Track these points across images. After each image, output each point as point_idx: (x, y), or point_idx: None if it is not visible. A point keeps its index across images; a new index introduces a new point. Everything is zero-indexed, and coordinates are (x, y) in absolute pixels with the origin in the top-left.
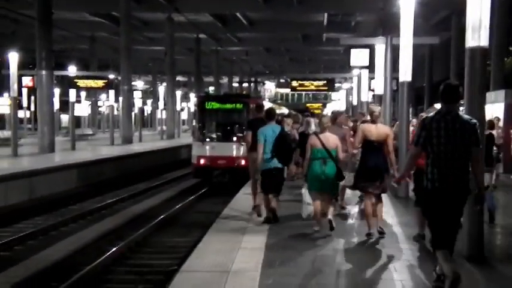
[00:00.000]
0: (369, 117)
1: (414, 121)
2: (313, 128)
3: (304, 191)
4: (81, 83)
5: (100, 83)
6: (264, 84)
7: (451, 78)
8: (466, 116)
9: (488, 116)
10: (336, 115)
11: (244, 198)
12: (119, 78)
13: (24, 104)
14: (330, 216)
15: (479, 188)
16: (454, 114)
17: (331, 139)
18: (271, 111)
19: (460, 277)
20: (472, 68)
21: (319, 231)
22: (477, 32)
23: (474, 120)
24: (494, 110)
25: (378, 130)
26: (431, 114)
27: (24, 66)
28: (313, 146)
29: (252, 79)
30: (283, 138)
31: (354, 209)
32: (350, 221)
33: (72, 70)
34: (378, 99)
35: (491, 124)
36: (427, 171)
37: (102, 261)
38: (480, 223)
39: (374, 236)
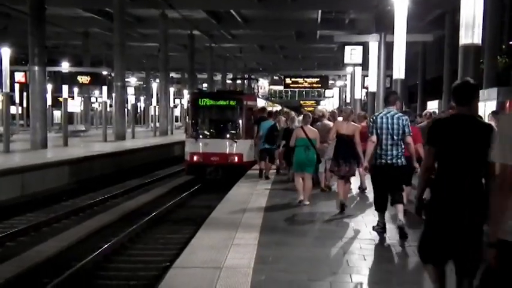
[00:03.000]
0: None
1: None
2: (296, 124)
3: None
4: (74, 79)
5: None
6: (257, 81)
7: (444, 75)
8: (400, 114)
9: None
10: (323, 113)
11: (237, 195)
12: (112, 74)
13: (17, 100)
14: (306, 194)
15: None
16: (392, 113)
17: (312, 131)
18: (270, 113)
19: (385, 226)
20: (466, 65)
21: (302, 201)
22: (470, 29)
23: (405, 117)
24: (487, 107)
25: (348, 126)
26: (378, 113)
27: (17, 62)
28: (298, 136)
29: (246, 76)
30: (272, 130)
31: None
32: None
33: (65, 66)
34: (372, 96)
35: None
36: (375, 152)
37: (95, 258)
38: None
39: (345, 206)
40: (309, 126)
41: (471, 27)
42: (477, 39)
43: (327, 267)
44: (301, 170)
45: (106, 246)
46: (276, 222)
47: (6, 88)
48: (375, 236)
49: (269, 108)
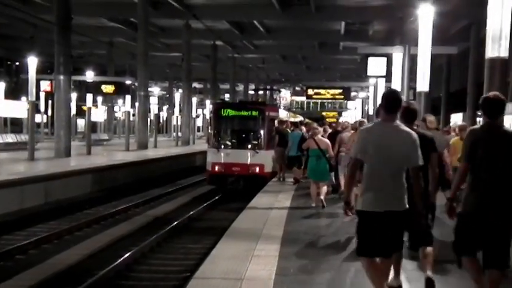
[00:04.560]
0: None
1: None
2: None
3: None
4: (99, 88)
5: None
6: (279, 92)
7: (469, 88)
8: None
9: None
10: (346, 125)
11: (258, 205)
12: (136, 84)
13: (42, 108)
14: (321, 197)
15: None
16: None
17: (323, 142)
18: (296, 124)
19: None
20: (492, 78)
21: (315, 207)
22: (497, 42)
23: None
24: None
25: None
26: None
27: (43, 71)
28: (310, 147)
29: (268, 87)
30: (301, 140)
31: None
32: None
33: (89, 75)
34: None
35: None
36: None
37: (116, 266)
38: None
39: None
40: (319, 137)
41: (498, 39)
42: (504, 52)
43: (349, 280)
44: (315, 178)
45: (127, 255)
46: (297, 233)
47: (32, 97)
48: None
49: (291, 119)
